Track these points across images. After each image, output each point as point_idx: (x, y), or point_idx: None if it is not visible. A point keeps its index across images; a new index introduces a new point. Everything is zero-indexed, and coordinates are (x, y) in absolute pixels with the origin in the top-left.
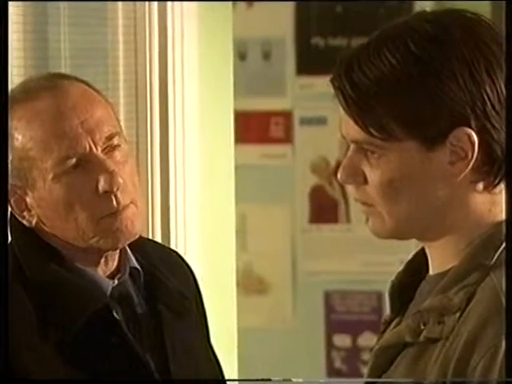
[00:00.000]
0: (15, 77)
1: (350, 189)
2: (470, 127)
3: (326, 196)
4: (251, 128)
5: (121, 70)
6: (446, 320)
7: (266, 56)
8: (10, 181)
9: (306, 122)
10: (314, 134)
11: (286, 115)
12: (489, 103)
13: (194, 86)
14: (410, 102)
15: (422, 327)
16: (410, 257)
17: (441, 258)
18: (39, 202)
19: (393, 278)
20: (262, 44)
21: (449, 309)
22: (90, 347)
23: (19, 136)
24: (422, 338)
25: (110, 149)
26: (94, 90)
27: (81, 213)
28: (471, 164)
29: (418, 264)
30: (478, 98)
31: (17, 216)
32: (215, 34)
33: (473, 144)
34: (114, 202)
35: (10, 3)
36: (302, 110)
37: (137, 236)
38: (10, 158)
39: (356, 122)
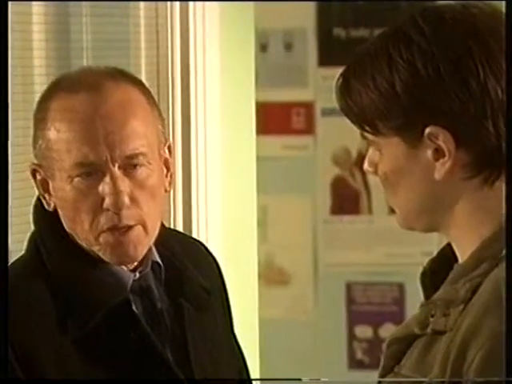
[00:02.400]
0: (37, 68)
1: (372, 180)
2: (447, 124)
3: (347, 187)
4: (273, 119)
5: (142, 61)
6: (451, 312)
7: (288, 47)
8: (38, 161)
9: (328, 112)
10: (336, 125)
11: (308, 106)
12: (469, 100)
13: (215, 77)
14: (388, 100)
15: (430, 319)
16: (444, 244)
17: (462, 250)
18: (56, 192)
19: (425, 264)
20: (284, 35)
21: (454, 300)
22: (108, 341)
23: (51, 126)
24: (429, 329)
25: (130, 166)
26: (146, 96)
27: (85, 219)
28: (451, 161)
29: (450, 252)
30: (455, 96)
31: (40, 196)
32: (237, 25)
33: (447, 142)
34: (116, 221)
35: None
36: (323, 100)
37: (137, 260)
38: (40, 140)
39: (350, 119)
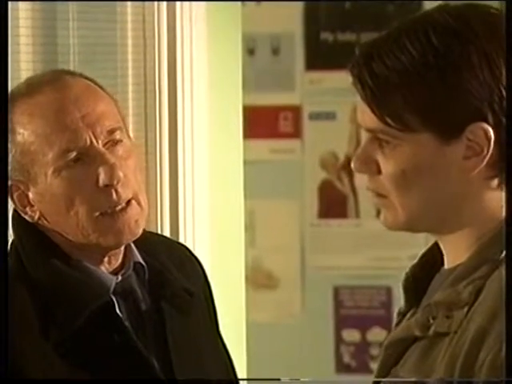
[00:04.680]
0: (23, 72)
1: (360, 182)
2: (487, 123)
3: (334, 191)
4: (260, 123)
5: (130, 65)
6: (455, 314)
7: (275, 51)
8: (13, 176)
9: (315, 116)
10: (323, 129)
11: (295, 110)
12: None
13: (202, 81)
14: (428, 94)
15: (431, 321)
16: (424, 249)
17: (454, 253)
18: (41, 197)
19: (407, 270)
20: (271, 39)
21: (457, 303)
22: (91, 344)
23: (21, 130)
24: (430, 332)
25: (111, 143)
26: (99, 86)
27: (81, 207)
28: (486, 160)
29: (433, 257)
30: (497, 94)
31: (19, 211)
32: (224, 29)
33: (489, 140)
34: (115, 196)
35: None
36: (310, 104)
37: (138, 235)
38: (12, 152)
39: (373, 111)
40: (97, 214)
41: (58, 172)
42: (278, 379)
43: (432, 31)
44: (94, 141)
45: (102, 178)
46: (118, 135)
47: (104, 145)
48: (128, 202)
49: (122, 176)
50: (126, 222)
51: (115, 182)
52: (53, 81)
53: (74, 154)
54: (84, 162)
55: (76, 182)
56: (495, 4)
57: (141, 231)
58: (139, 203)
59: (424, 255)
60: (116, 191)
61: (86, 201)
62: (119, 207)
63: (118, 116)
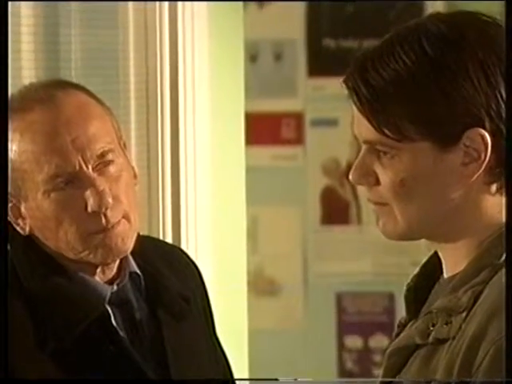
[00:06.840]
0: (25, 79)
1: (362, 190)
2: (484, 128)
3: (337, 197)
4: (262, 129)
5: (131, 71)
6: (454, 320)
7: (277, 57)
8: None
9: (317, 123)
10: (325, 136)
11: (298, 116)
12: (503, 105)
13: (204, 87)
14: (425, 103)
15: (431, 328)
16: (424, 259)
17: (453, 261)
18: (32, 213)
19: (408, 280)
20: (273, 45)
21: (456, 309)
22: (87, 356)
23: (13, 147)
24: (430, 339)
25: (102, 165)
26: (95, 99)
27: (70, 229)
28: (484, 165)
29: (433, 266)
30: (493, 100)
31: (12, 223)
32: (226, 35)
33: (486, 145)
34: (103, 221)
35: (22, 4)
36: (313, 111)
37: (127, 252)
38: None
39: (370, 122)
40: (85, 235)
41: (48, 194)
42: (276, 379)
43: (425, 40)
44: (84, 166)
45: (91, 205)
46: (109, 156)
47: (95, 167)
48: (116, 223)
49: (111, 201)
50: (113, 240)
51: (104, 209)
52: (45, 98)
53: (63, 179)
54: (74, 186)
55: (65, 205)
56: (495, 4)
57: (130, 247)
58: (129, 220)
59: (424, 265)
60: (105, 216)
61: (75, 223)
62: (107, 228)
63: (111, 134)
